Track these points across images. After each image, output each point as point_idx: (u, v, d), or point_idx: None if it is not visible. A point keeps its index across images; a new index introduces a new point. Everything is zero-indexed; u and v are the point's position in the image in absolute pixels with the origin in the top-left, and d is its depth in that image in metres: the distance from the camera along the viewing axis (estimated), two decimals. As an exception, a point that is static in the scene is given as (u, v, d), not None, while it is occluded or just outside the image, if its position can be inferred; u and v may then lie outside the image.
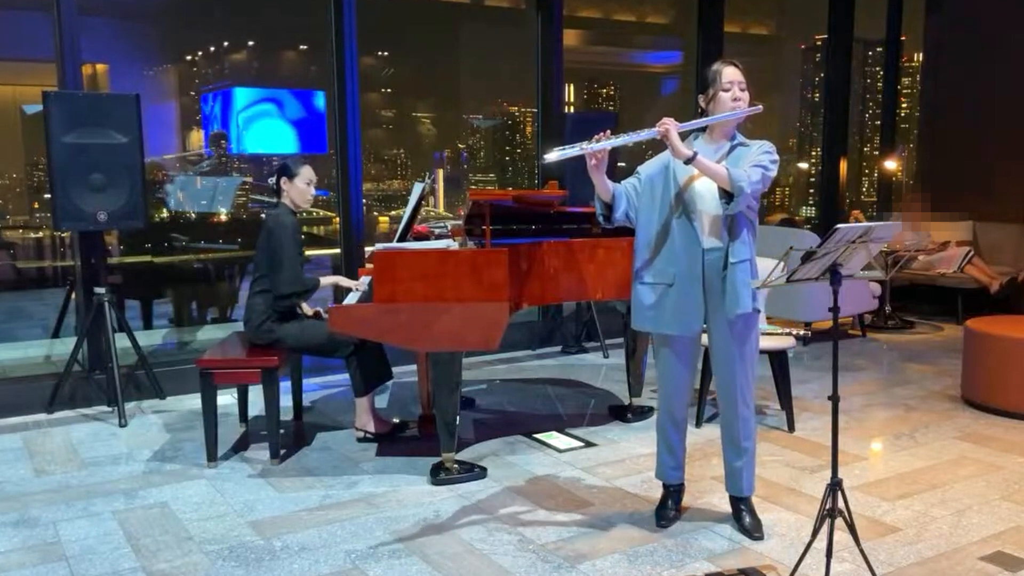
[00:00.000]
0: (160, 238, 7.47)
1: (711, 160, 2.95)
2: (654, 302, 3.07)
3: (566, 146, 2.93)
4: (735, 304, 2.99)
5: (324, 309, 4.32)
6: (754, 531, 3.17)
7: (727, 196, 2.89)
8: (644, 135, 2.93)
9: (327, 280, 4.29)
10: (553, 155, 2.92)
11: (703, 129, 3.11)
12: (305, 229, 4.30)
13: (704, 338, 3.19)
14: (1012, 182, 7.51)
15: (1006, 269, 7.28)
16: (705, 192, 2.99)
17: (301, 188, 4.15)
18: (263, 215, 4.23)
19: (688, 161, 2.86)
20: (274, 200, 4.21)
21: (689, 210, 3.01)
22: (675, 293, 3.03)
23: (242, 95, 9.14)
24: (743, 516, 3.23)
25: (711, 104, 3.03)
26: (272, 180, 4.20)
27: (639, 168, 3.15)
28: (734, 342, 3.07)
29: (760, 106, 3.02)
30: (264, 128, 9.11)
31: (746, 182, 2.84)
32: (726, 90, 2.99)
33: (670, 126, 2.87)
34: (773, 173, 2.96)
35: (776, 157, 2.99)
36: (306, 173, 4.17)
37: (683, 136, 2.95)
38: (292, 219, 4.10)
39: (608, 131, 2.93)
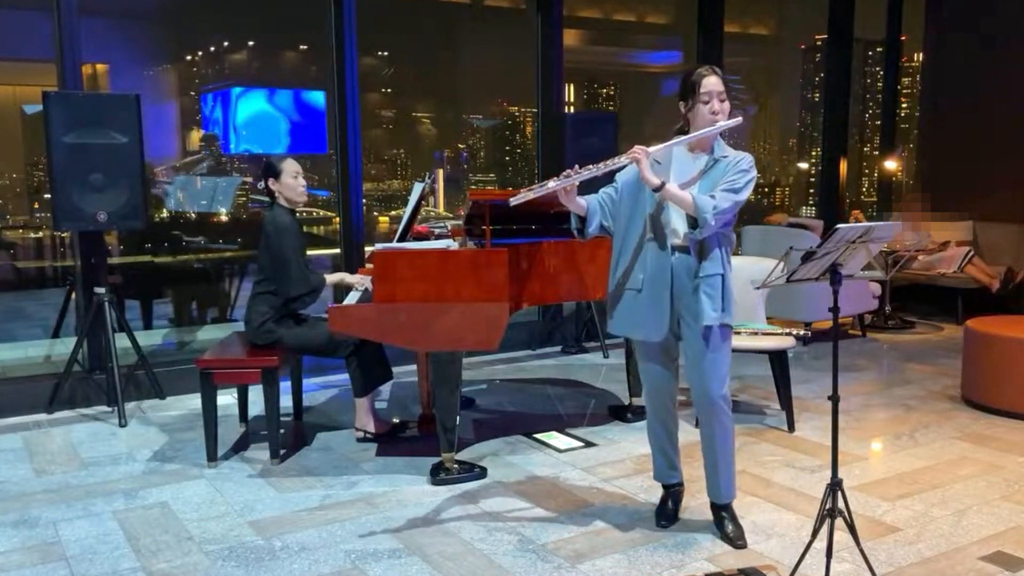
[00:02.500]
0: (160, 238, 7.47)
1: (690, 172, 3.01)
2: (624, 307, 3.09)
3: (534, 186, 2.96)
4: (701, 317, 2.99)
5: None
6: (737, 539, 3.13)
7: (694, 222, 2.91)
8: (614, 165, 2.95)
9: (331, 278, 4.27)
10: (520, 197, 2.94)
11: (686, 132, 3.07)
12: (305, 229, 4.29)
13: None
14: (1012, 182, 7.50)
15: (1004, 268, 7.27)
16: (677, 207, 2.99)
17: (290, 183, 4.11)
18: (262, 217, 4.21)
19: (656, 190, 2.90)
20: (268, 202, 4.19)
21: (660, 218, 3.01)
22: (644, 298, 3.03)
23: (242, 95, 9.14)
24: (725, 523, 3.18)
25: (689, 114, 3.00)
26: (260, 184, 4.17)
27: (617, 176, 3.13)
28: (706, 351, 3.04)
29: (740, 118, 2.99)
30: (264, 128, 9.11)
31: (711, 213, 2.85)
32: (705, 102, 2.95)
33: (640, 155, 2.89)
34: (744, 196, 2.93)
35: (753, 175, 2.96)
36: (290, 167, 4.12)
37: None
38: (290, 219, 4.08)
39: (576, 166, 2.95)
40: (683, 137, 2.99)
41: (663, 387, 3.21)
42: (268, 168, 4.12)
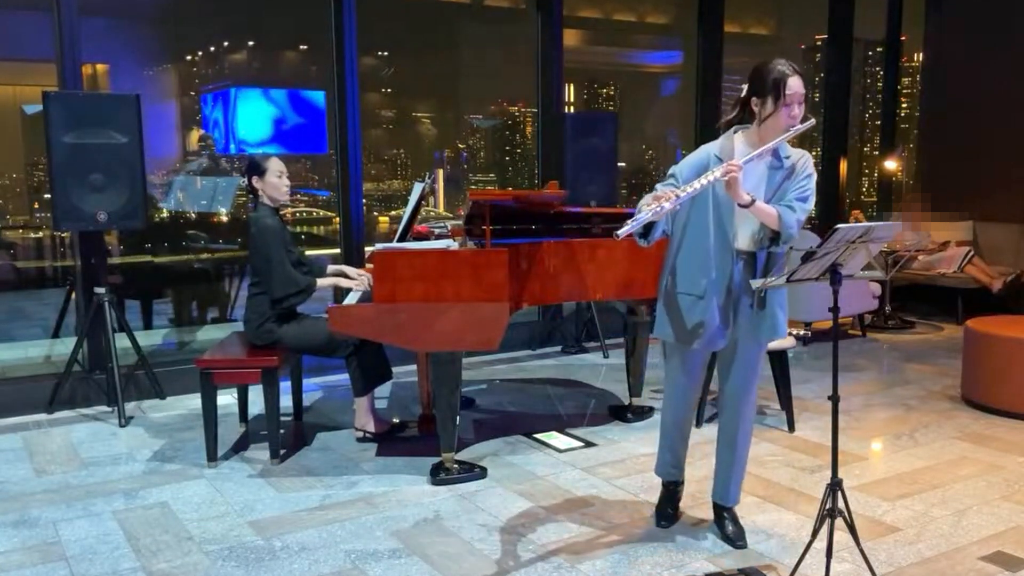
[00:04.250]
0: (160, 238, 7.47)
1: (755, 172, 2.86)
2: (684, 313, 2.96)
3: (636, 216, 2.68)
4: (773, 331, 2.95)
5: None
6: (737, 539, 3.13)
7: (773, 234, 2.82)
8: (709, 182, 2.72)
9: (325, 281, 4.23)
10: (625, 229, 2.65)
11: (744, 122, 2.92)
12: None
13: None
14: (1012, 182, 7.50)
15: (1006, 269, 7.28)
16: (744, 210, 2.86)
17: (274, 182, 4.11)
18: (247, 218, 4.20)
19: (745, 206, 2.75)
20: (252, 201, 4.18)
21: (726, 224, 2.88)
22: (708, 306, 2.91)
23: (242, 95, 9.14)
24: (726, 524, 3.19)
25: (768, 118, 2.81)
26: (243, 181, 4.17)
27: (675, 171, 2.94)
28: (755, 364, 3.04)
29: (812, 120, 2.84)
30: (264, 128, 9.11)
31: (795, 228, 2.78)
32: (787, 105, 2.77)
33: (736, 173, 2.68)
34: (812, 203, 2.87)
35: (815, 177, 2.88)
36: (275, 166, 4.11)
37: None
38: (274, 220, 4.07)
39: (668, 192, 2.71)
40: (767, 146, 2.80)
41: (694, 394, 3.18)
42: (252, 166, 4.12)
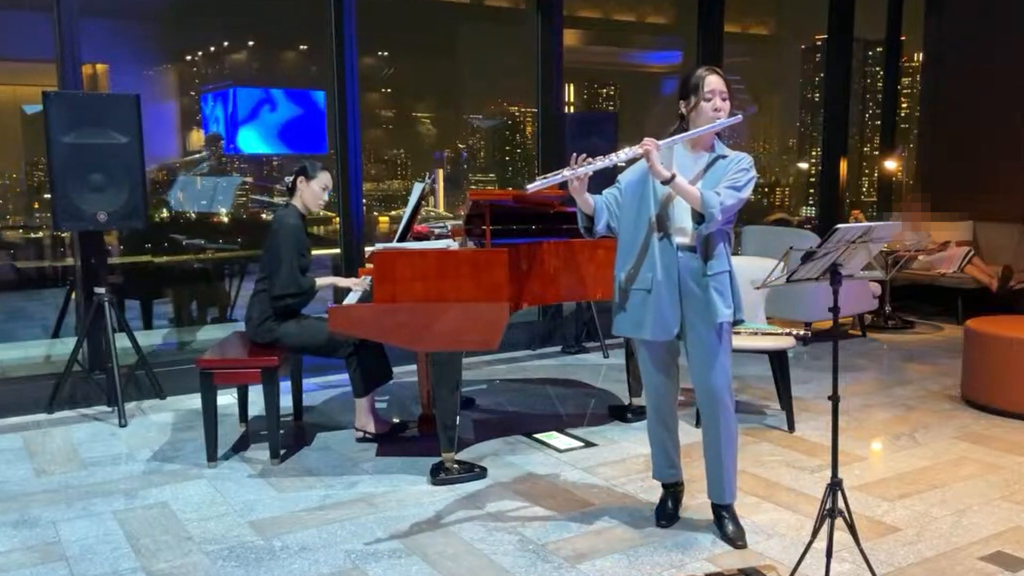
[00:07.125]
0: (160, 238, 7.47)
1: (692, 170, 3.03)
2: (633, 308, 3.09)
3: (548, 174, 2.95)
4: (715, 314, 3.01)
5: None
6: (737, 539, 3.13)
7: (699, 216, 2.94)
8: (625, 155, 2.95)
9: (323, 281, 4.27)
10: (536, 184, 2.95)
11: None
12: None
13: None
14: (1012, 182, 7.51)
15: (997, 267, 7.28)
16: (683, 202, 3.01)
17: (316, 191, 4.17)
18: (273, 213, 4.25)
19: (666, 182, 2.91)
20: (286, 200, 4.23)
21: (666, 218, 3.03)
22: (653, 299, 3.03)
23: (242, 95, 9.14)
24: (725, 524, 3.19)
25: (692, 113, 3.02)
26: (289, 178, 4.22)
27: (619, 177, 3.17)
28: (713, 348, 3.06)
29: (739, 116, 3.02)
30: (264, 128, 9.11)
31: (717, 208, 2.88)
32: (707, 100, 2.98)
33: (651, 147, 2.89)
34: (747, 194, 2.97)
35: (753, 175, 3.00)
36: (324, 178, 4.20)
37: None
38: (298, 221, 4.11)
39: (585, 156, 2.94)
40: (687, 132, 3.01)
41: (666, 387, 3.21)
42: (304, 169, 4.18)
